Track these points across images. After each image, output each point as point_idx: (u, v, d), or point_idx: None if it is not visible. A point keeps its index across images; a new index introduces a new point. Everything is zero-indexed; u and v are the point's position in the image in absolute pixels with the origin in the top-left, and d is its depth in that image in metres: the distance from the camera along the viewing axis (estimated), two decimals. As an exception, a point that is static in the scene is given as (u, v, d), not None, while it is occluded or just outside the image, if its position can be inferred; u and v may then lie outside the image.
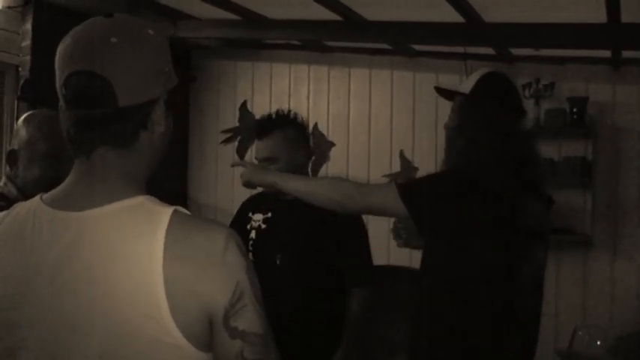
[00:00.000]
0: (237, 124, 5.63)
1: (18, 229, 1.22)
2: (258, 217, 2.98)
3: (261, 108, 5.59)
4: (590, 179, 4.58)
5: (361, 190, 2.29)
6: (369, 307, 2.93)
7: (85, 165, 1.22)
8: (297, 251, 2.87)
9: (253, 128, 5.41)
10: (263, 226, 2.97)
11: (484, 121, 2.22)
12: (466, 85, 2.30)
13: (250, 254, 3.01)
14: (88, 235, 1.16)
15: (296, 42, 5.24)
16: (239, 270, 1.19)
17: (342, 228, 2.90)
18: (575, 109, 4.56)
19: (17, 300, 1.18)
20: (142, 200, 1.20)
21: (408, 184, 2.24)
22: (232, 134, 5.63)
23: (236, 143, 5.64)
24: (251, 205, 3.07)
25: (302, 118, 3.04)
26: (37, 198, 1.25)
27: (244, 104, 5.65)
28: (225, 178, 5.52)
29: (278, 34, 4.79)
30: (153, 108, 1.23)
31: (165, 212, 1.17)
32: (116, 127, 1.20)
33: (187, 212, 1.21)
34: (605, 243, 4.68)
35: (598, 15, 3.47)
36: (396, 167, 5.27)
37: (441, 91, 2.44)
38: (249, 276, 1.20)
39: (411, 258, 5.12)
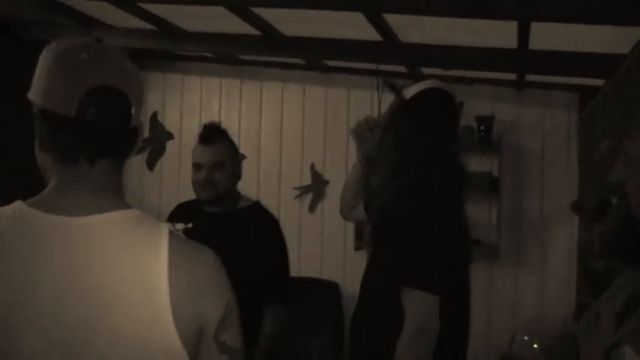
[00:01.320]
0: (147, 135, 5.57)
1: None
2: (179, 227, 2.94)
3: (172, 120, 5.57)
4: (496, 194, 4.80)
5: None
6: (283, 324, 2.95)
7: (80, 172, 1.25)
8: None
9: (166, 137, 5.42)
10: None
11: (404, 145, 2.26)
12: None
13: None
14: (94, 241, 1.20)
15: (208, 54, 5.23)
16: (229, 289, 1.30)
17: (260, 244, 2.91)
18: (482, 127, 4.78)
19: (15, 306, 1.17)
20: (139, 213, 1.27)
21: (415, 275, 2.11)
22: (142, 145, 5.53)
23: (146, 154, 5.57)
24: (177, 214, 3.05)
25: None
26: (17, 203, 1.24)
27: (155, 115, 5.59)
28: (134, 187, 5.43)
29: (192, 47, 4.77)
30: (139, 135, 1.33)
31: (164, 227, 1.26)
32: (123, 144, 1.29)
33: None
34: (510, 254, 4.92)
35: (509, 41, 3.66)
36: (307, 180, 5.35)
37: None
38: (233, 295, 1.31)
39: (321, 269, 5.23)
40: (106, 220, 1.22)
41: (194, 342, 1.23)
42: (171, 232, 1.25)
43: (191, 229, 2.92)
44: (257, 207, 3.06)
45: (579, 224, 4.46)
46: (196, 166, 2.97)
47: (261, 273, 2.87)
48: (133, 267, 1.19)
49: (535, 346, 1.72)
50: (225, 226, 2.92)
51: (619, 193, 1.70)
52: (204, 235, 2.95)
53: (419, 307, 2.06)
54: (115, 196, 1.27)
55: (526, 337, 1.69)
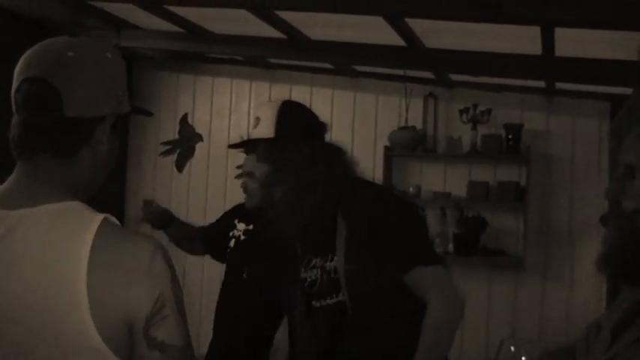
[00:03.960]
0: (177, 137, 5.61)
1: None
2: (241, 227, 3.00)
3: (201, 121, 5.60)
4: (523, 203, 4.70)
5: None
6: None
7: (26, 168, 1.25)
8: (263, 267, 2.87)
9: (196, 139, 5.45)
10: (242, 237, 2.99)
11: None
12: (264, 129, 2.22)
13: (225, 264, 3.03)
14: (16, 233, 1.19)
15: (239, 57, 5.25)
16: (163, 280, 1.21)
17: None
18: (510, 136, 4.68)
19: None
20: (76, 205, 1.23)
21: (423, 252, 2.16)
22: (172, 146, 5.59)
23: (175, 156, 5.61)
24: (240, 213, 3.05)
25: None
26: None
27: (185, 117, 5.62)
28: (163, 189, 5.47)
29: (221, 49, 4.80)
30: (98, 125, 1.26)
31: (96, 218, 1.20)
32: (59, 136, 1.23)
33: (117, 222, 1.23)
34: (536, 265, 4.80)
35: (533, 47, 3.59)
36: (335, 185, 5.31)
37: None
38: (173, 287, 1.22)
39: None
40: (36, 213, 1.20)
41: (122, 338, 1.18)
42: (105, 219, 1.20)
43: (250, 231, 2.98)
44: None
45: (608, 237, 4.33)
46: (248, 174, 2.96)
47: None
48: (56, 259, 1.16)
49: (523, 358, 1.65)
50: (276, 229, 2.89)
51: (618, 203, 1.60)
52: (256, 237, 2.93)
53: (442, 280, 2.08)
54: (63, 191, 1.24)
55: (512, 347, 1.62)
